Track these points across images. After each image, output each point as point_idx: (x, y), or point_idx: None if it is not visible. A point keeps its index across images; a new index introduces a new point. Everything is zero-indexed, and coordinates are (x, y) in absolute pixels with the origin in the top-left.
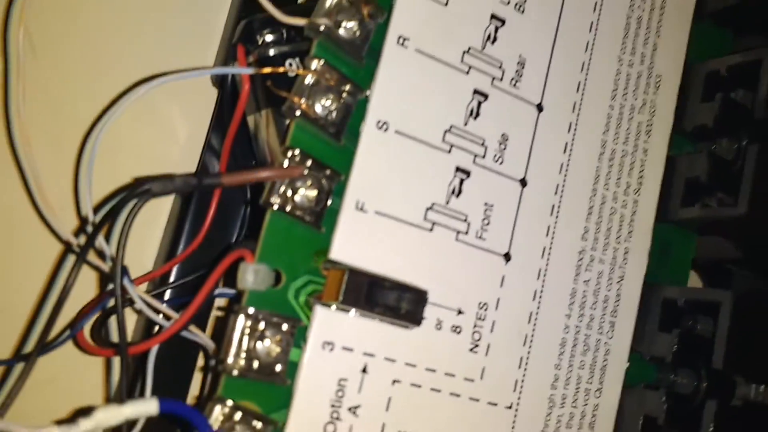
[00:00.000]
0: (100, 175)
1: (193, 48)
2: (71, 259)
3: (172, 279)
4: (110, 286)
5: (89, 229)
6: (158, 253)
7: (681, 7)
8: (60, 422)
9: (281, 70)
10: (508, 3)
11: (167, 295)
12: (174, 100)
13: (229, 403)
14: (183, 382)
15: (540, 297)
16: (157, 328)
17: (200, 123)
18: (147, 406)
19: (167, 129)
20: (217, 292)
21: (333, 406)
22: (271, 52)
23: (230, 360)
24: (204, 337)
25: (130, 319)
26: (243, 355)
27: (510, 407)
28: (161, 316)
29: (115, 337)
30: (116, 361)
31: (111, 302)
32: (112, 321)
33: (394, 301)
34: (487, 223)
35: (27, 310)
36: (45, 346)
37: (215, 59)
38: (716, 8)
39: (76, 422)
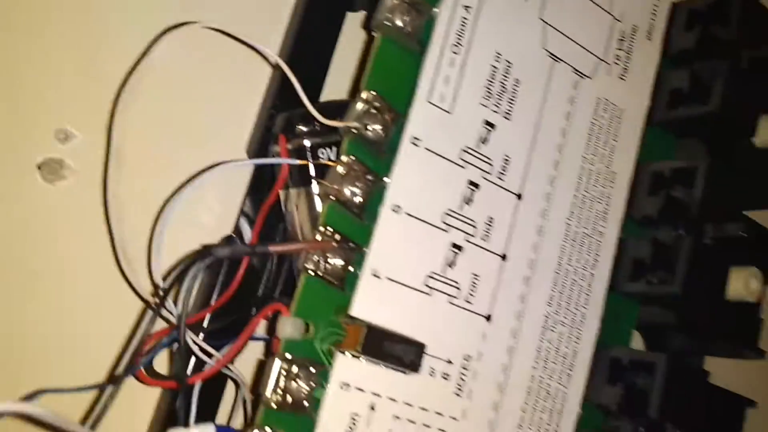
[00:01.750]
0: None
1: (227, 131)
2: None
3: (205, 324)
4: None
5: (162, 290)
6: (194, 301)
7: (634, 117)
8: None
9: (320, 162)
10: (497, 112)
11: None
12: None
13: (268, 430)
14: (212, 409)
15: (513, 352)
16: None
17: (232, 191)
18: (206, 431)
19: (201, 196)
20: None
21: None
22: (307, 143)
23: (269, 395)
24: (240, 374)
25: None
26: (279, 392)
27: None
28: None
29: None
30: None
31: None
32: None
33: (400, 353)
34: (474, 290)
35: (115, 349)
36: (127, 372)
37: (250, 141)
38: (663, 118)
39: None
